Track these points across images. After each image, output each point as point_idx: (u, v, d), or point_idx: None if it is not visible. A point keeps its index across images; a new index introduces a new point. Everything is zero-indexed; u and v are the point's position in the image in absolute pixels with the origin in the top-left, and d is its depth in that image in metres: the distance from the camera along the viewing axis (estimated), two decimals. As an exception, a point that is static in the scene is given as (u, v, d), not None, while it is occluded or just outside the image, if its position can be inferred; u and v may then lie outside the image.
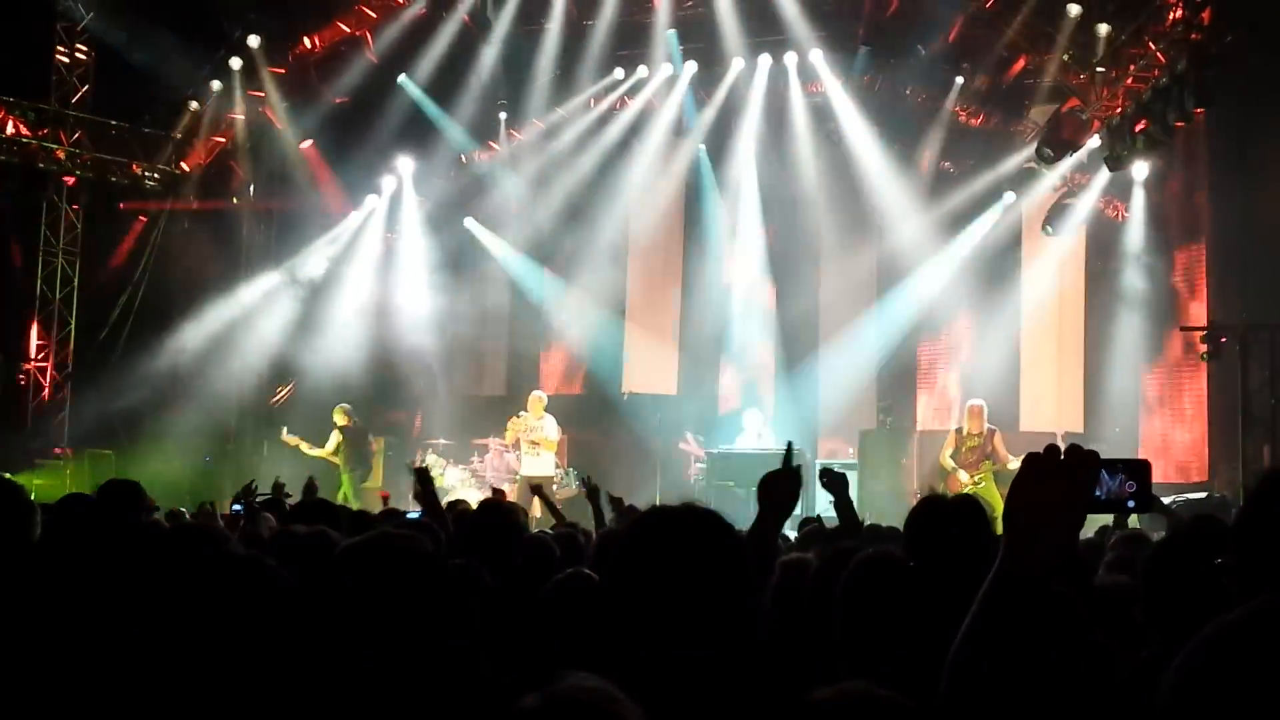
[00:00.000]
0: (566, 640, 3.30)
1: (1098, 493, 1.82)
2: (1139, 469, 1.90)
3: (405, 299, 18.02)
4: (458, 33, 15.89)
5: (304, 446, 15.22)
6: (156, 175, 16.65)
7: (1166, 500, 8.79)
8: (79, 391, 16.87)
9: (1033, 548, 1.74)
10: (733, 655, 1.95)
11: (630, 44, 16.34)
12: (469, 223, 18.20)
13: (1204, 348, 12.82)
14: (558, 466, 14.88)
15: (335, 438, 15.30)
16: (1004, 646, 1.72)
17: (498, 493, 11.27)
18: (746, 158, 17.14)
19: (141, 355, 16.25)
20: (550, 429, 14.43)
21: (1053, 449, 1.77)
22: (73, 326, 17.03)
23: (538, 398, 14.66)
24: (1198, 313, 13.85)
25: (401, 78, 16.38)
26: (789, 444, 3.19)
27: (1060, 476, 1.75)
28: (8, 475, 12.35)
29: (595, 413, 16.54)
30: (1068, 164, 14.44)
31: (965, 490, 11.65)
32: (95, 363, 16.66)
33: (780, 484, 2.97)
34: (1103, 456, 1.81)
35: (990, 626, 1.73)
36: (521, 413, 14.73)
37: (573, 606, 3.45)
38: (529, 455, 14.33)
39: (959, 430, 13.28)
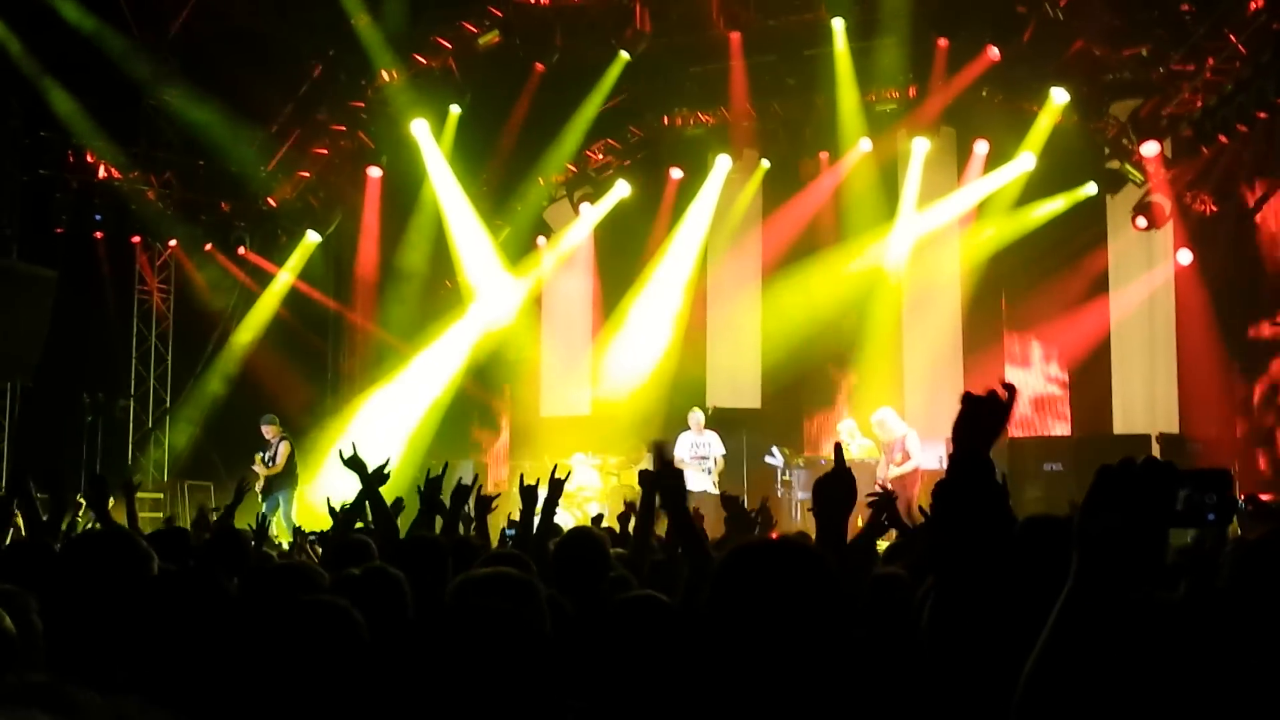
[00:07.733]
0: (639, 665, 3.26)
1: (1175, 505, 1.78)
2: (1219, 479, 1.84)
3: (490, 319, 18.19)
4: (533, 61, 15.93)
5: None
6: (245, 211, 17.00)
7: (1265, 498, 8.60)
8: (177, 425, 17.33)
9: (1107, 564, 1.69)
10: (827, 688, 1.96)
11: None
12: (540, 241, 18.30)
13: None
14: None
15: (286, 447, 14.44)
16: (1078, 667, 1.68)
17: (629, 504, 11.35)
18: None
19: (237, 388, 16.61)
20: (718, 445, 14.73)
21: (1127, 461, 1.74)
22: (169, 362, 17.51)
23: (699, 417, 14.90)
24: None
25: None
26: (836, 445, 3.28)
27: (1135, 490, 1.71)
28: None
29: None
30: (1154, 156, 14.18)
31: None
32: (192, 396, 17.10)
33: (830, 486, 3.03)
34: (1191, 463, 1.79)
35: (1065, 646, 1.69)
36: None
37: (642, 630, 3.42)
38: (698, 473, 14.31)
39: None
